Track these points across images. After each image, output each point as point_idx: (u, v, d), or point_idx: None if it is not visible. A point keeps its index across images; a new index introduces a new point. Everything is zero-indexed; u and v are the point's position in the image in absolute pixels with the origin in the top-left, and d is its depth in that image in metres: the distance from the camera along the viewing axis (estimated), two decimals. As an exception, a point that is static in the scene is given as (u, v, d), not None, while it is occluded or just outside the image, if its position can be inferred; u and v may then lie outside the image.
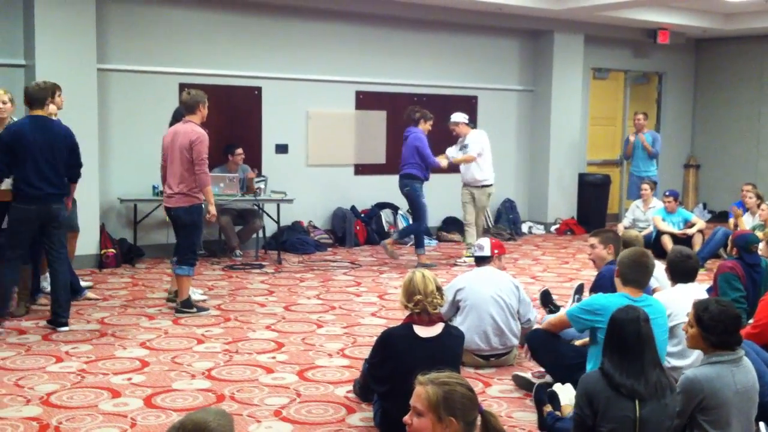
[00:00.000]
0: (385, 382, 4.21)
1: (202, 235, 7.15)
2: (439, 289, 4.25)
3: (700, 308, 3.71)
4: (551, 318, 5.26)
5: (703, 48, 14.91)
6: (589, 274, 7.64)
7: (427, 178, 9.34)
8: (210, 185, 6.99)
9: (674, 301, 4.92)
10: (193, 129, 6.87)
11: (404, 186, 9.28)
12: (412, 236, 9.75)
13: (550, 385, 4.52)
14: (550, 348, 5.03)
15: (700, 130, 15.10)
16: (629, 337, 3.53)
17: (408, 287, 4.25)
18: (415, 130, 9.26)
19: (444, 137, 9.98)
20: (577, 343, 5.13)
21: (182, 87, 9.53)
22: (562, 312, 5.21)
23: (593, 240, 5.92)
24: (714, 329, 3.61)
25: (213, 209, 7.01)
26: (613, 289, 4.97)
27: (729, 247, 6.55)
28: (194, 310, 7.00)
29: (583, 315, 4.60)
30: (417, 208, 9.34)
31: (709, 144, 14.93)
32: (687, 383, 3.60)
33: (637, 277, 4.58)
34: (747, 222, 9.71)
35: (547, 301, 6.34)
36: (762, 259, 6.15)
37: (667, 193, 10.75)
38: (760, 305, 5.28)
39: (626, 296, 4.50)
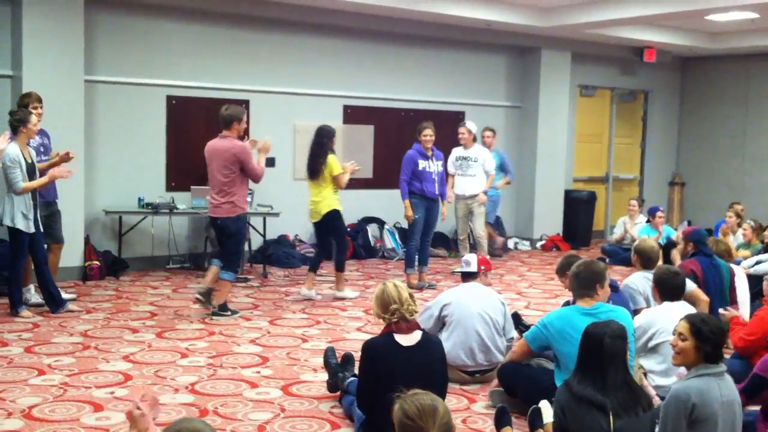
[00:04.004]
0: (372, 393, 4.18)
1: (245, 244, 7.29)
2: (411, 296, 4.34)
3: (696, 321, 3.75)
4: (514, 348, 5.19)
5: (689, 66, 15.03)
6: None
7: (425, 193, 8.95)
8: (263, 171, 7.39)
9: (661, 319, 4.94)
10: (232, 143, 7.17)
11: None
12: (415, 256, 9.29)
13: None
14: (522, 376, 4.97)
15: (685, 147, 15.20)
16: (593, 351, 3.64)
17: (382, 298, 4.29)
18: (414, 147, 9.07)
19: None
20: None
21: (170, 99, 9.54)
22: (520, 339, 5.21)
23: (559, 279, 5.92)
24: (713, 341, 3.67)
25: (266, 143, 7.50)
26: None
27: (683, 246, 7.04)
28: (229, 313, 7.36)
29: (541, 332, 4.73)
30: (408, 226, 9.25)
31: (695, 162, 15.02)
32: (675, 394, 3.61)
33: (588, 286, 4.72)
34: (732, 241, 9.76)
35: (517, 323, 6.35)
36: (722, 262, 6.62)
37: (661, 209, 11.01)
38: (755, 318, 5.30)
39: (577, 308, 4.67)
